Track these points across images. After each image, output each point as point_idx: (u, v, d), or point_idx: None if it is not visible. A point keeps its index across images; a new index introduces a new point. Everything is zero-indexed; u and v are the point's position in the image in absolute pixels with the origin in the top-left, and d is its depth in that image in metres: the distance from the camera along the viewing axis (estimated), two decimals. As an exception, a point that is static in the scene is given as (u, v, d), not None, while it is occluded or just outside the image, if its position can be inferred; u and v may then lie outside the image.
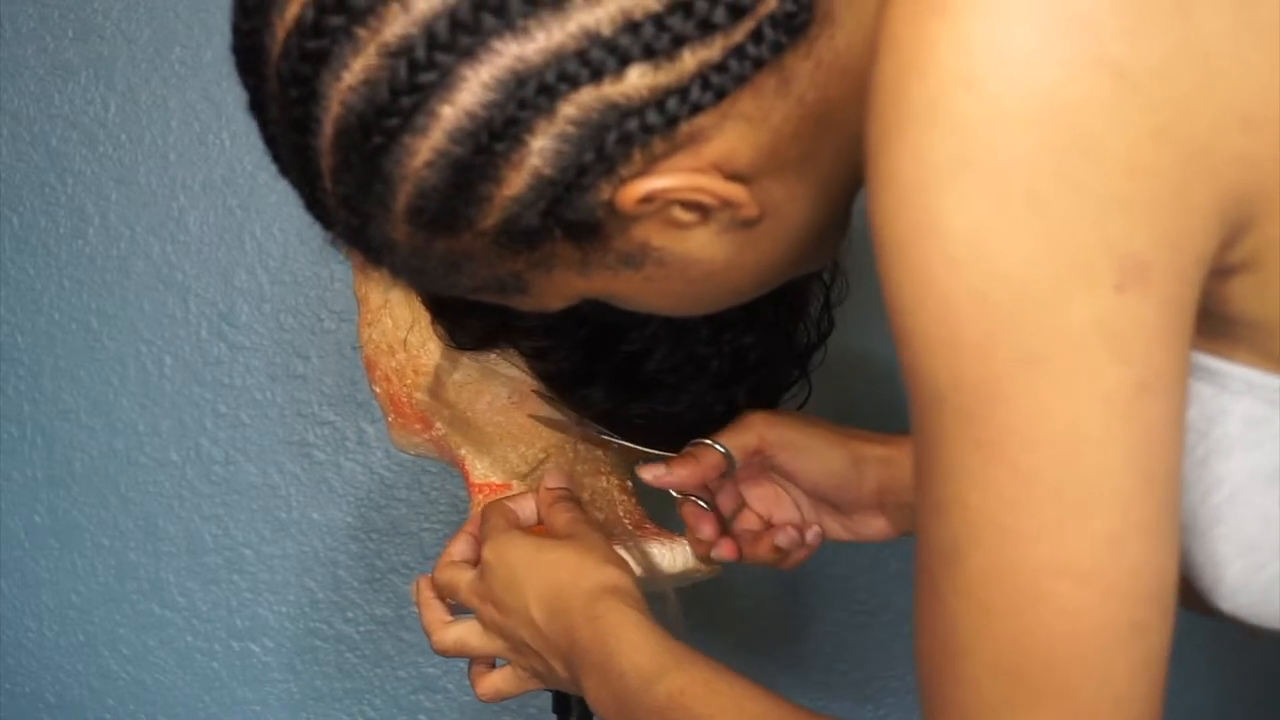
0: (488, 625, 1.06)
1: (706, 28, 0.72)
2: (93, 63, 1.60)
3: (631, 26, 0.71)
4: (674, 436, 1.10)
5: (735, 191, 0.76)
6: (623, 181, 0.75)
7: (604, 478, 1.16)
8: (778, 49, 0.73)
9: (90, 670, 1.65)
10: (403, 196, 0.75)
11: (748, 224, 0.79)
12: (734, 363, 1.10)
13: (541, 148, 0.73)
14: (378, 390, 1.16)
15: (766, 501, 1.11)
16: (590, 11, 0.71)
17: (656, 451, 1.10)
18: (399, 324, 1.14)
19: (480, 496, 1.15)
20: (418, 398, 1.15)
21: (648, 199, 0.75)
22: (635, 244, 0.79)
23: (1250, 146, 0.67)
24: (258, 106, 0.78)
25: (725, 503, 1.12)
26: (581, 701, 1.16)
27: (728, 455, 1.08)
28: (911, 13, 0.67)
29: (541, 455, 1.15)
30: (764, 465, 1.10)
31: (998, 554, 0.69)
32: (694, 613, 1.59)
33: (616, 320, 1.05)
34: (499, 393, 1.15)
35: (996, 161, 0.65)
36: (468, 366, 1.15)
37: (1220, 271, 0.70)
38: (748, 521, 1.12)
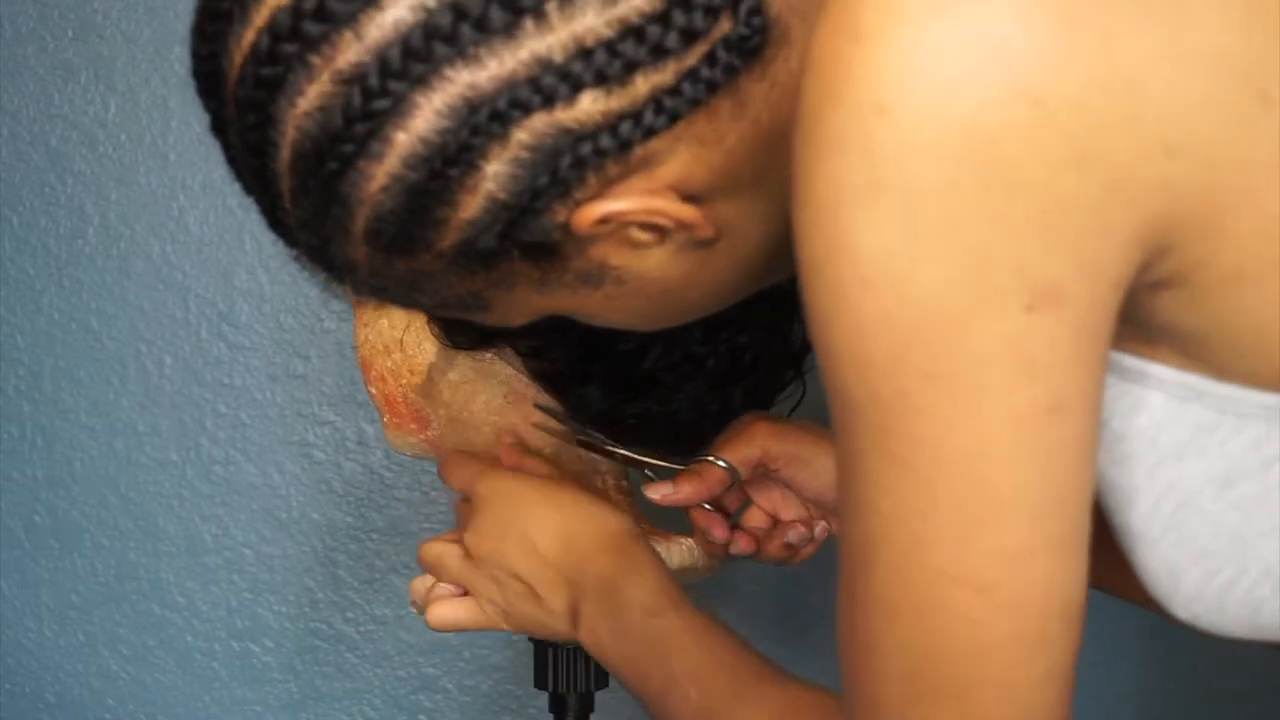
0: (471, 552, 1.06)
1: (659, 53, 0.72)
2: (93, 63, 1.60)
3: (583, 53, 0.72)
4: (669, 437, 1.10)
5: (690, 213, 0.77)
6: (578, 204, 0.76)
7: (600, 478, 1.16)
8: (731, 72, 0.74)
9: (90, 670, 1.65)
10: (360, 219, 0.76)
11: (704, 243, 0.80)
12: (730, 362, 1.11)
13: (496, 172, 0.74)
14: (373, 391, 1.16)
15: (773, 501, 1.12)
16: (542, 39, 0.72)
17: (658, 462, 1.10)
18: (395, 324, 1.14)
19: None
20: (413, 398, 1.15)
21: (603, 221, 0.76)
22: (593, 263, 0.79)
23: (1173, 173, 0.67)
24: (218, 129, 0.79)
25: (731, 501, 1.13)
26: (580, 700, 1.16)
27: (731, 470, 1.09)
28: (831, 38, 0.68)
29: (540, 457, 1.15)
30: (767, 474, 1.11)
31: (904, 558, 0.70)
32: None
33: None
34: (495, 393, 1.15)
35: (908, 187, 0.66)
36: (463, 366, 1.15)
37: (1146, 285, 0.70)
38: (755, 520, 1.13)
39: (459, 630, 1.10)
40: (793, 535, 1.11)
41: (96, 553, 1.64)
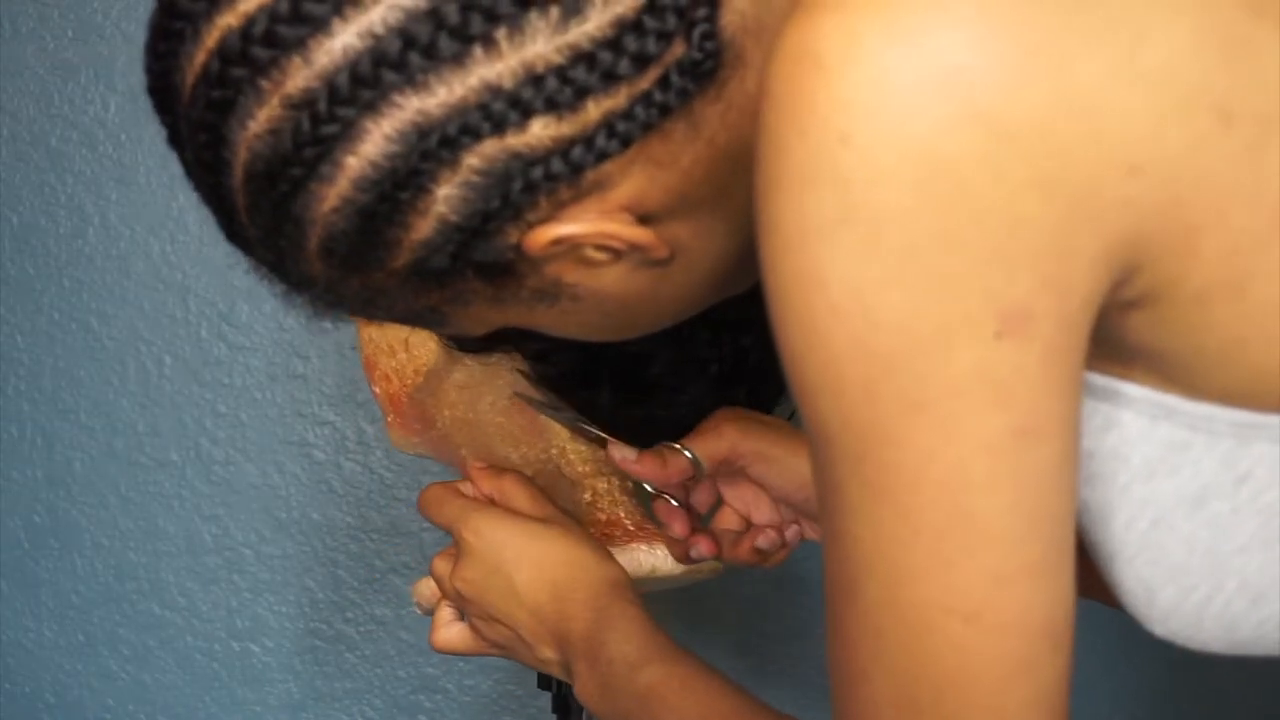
0: (460, 591, 1.07)
1: (611, 78, 0.72)
2: (93, 63, 1.60)
3: (533, 79, 0.72)
4: (672, 439, 1.10)
5: (643, 236, 0.77)
6: (530, 226, 0.76)
7: (605, 479, 1.16)
8: (685, 96, 0.74)
9: (90, 670, 1.65)
10: (313, 238, 0.76)
11: (660, 262, 0.80)
12: (734, 365, 1.11)
13: (447, 195, 0.74)
14: (377, 390, 1.16)
15: (745, 501, 1.12)
16: (491, 65, 0.72)
17: (626, 445, 1.11)
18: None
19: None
20: (418, 398, 1.15)
21: (556, 242, 0.76)
22: (548, 281, 0.79)
23: (1137, 192, 0.67)
24: (175, 142, 0.79)
25: (701, 498, 1.13)
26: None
27: (695, 462, 1.09)
28: (791, 67, 0.68)
29: (544, 456, 1.15)
30: (737, 471, 1.11)
31: (889, 590, 0.71)
32: (694, 613, 1.59)
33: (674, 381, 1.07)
34: (500, 393, 1.15)
35: (875, 215, 0.66)
36: (469, 366, 1.14)
37: (1118, 306, 0.71)
38: (728, 521, 1.13)
39: (463, 655, 1.11)
40: (762, 541, 1.11)
41: (96, 553, 1.64)
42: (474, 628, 1.09)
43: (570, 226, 0.76)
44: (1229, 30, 0.68)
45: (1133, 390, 0.74)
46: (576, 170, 0.74)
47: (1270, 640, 0.78)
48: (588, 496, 1.14)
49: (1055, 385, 0.69)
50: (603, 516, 1.14)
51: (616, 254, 0.78)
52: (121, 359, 1.62)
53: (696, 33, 0.73)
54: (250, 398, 1.61)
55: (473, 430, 1.15)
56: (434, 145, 0.72)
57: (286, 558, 1.63)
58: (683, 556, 1.12)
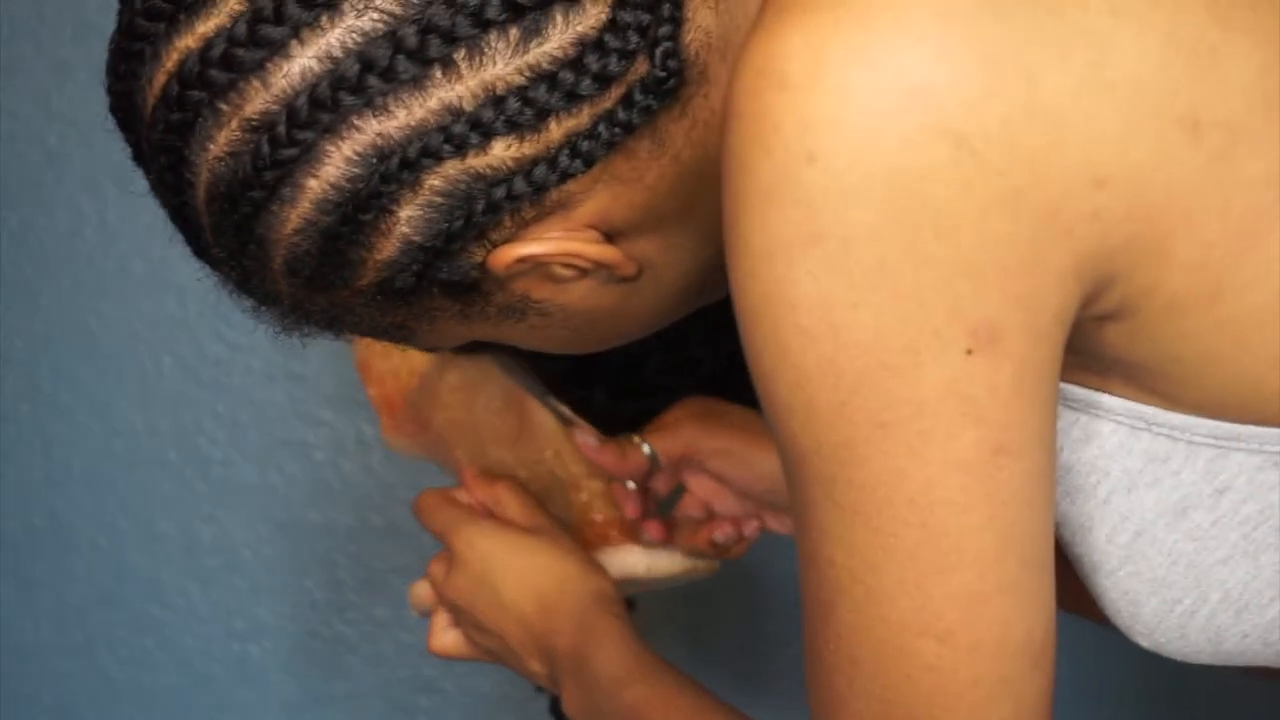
0: (452, 600, 1.07)
1: (573, 98, 0.72)
2: (93, 62, 1.59)
3: (494, 101, 0.72)
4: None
5: (608, 254, 0.77)
6: (494, 245, 0.76)
7: (601, 479, 1.16)
8: (649, 113, 0.74)
9: (88, 672, 1.65)
10: (277, 258, 0.76)
11: (628, 279, 0.80)
12: (726, 364, 1.11)
13: (410, 216, 0.74)
14: (372, 392, 1.16)
15: (707, 490, 1.13)
16: (450, 87, 0.72)
17: (591, 428, 1.12)
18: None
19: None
20: (413, 400, 1.15)
21: (521, 261, 0.76)
22: (515, 297, 0.80)
23: (1104, 204, 0.67)
24: (139, 161, 0.80)
25: (661, 484, 1.13)
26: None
27: (653, 457, 1.10)
28: (755, 87, 0.67)
29: (539, 457, 1.15)
30: (698, 465, 1.11)
31: (863, 612, 0.70)
32: (694, 614, 1.59)
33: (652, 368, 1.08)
34: (495, 393, 1.15)
35: (843, 234, 0.66)
36: (463, 367, 1.14)
37: (1093, 318, 0.70)
38: (690, 508, 1.13)
39: (459, 659, 1.12)
40: (719, 535, 1.12)
41: (94, 554, 1.64)
42: (466, 635, 1.09)
43: (534, 246, 0.76)
44: (1196, 41, 0.68)
45: (1111, 401, 0.74)
46: (540, 190, 0.74)
47: (1256, 651, 0.77)
48: (584, 496, 1.14)
49: (1029, 401, 0.68)
50: (599, 517, 1.14)
51: (583, 271, 0.78)
52: (120, 359, 1.61)
53: (659, 51, 0.73)
54: (249, 398, 1.61)
55: (467, 431, 1.15)
56: (394, 167, 0.72)
57: (285, 558, 1.63)
58: (635, 538, 1.12)
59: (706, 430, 1.09)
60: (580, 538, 1.12)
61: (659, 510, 1.14)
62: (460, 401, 1.15)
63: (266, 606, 1.63)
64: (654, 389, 1.11)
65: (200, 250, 0.80)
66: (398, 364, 1.15)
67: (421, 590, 1.13)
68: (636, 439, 1.10)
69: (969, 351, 0.67)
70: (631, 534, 1.14)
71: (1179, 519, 0.75)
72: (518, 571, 1.05)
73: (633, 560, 1.11)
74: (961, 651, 0.70)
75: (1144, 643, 0.78)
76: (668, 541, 1.12)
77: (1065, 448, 0.75)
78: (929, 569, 0.69)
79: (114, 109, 0.79)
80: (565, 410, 1.12)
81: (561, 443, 1.15)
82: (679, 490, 1.14)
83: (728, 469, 1.10)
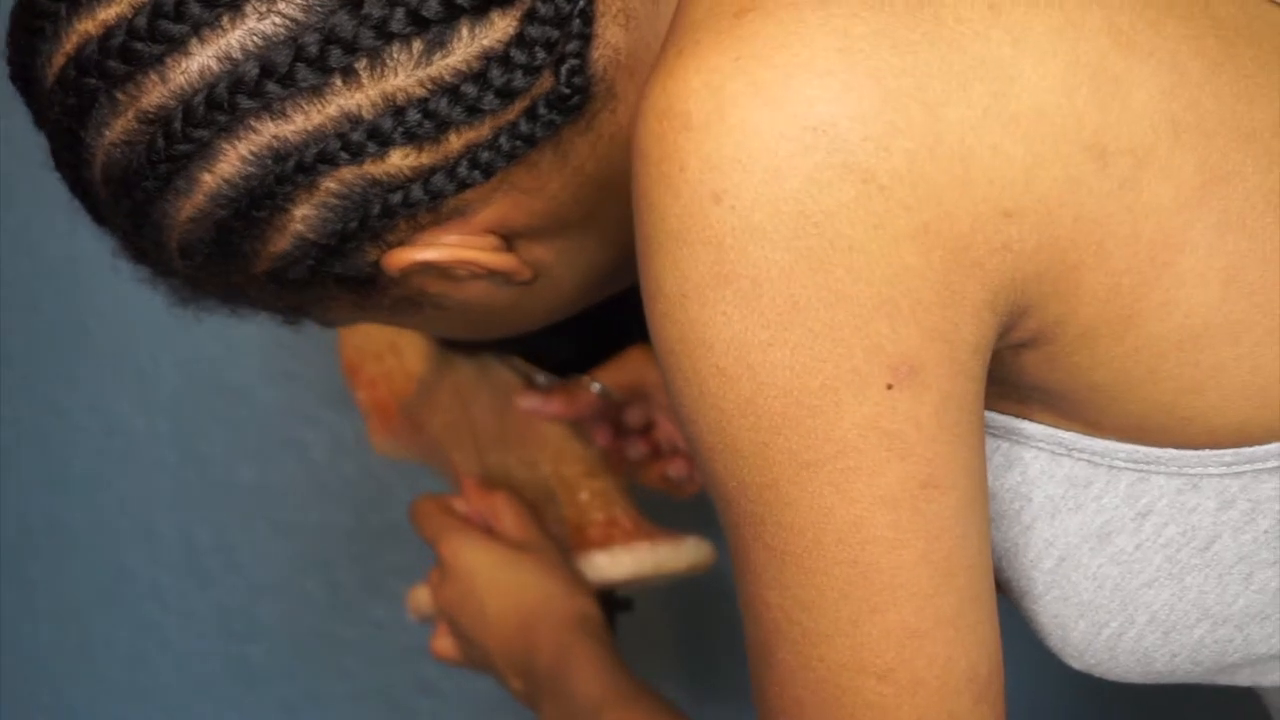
0: (442, 607, 1.09)
1: (474, 112, 0.72)
2: (91, 62, 1.60)
3: (393, 111, 0.72)
4: None
5: (504, 262, 0.77)
6: (390, 246, 0.76)
7: (601, 479, 1.16)
8: (552, 127, 0.74)
9: (86, 672, 1.65)
10: (172, 240, 0.76)
11: (524, 282, 0.80)
12: None
13: (304, 215, 0.74)
14: (361, 395, 1.16)
15: (669, 427, 1.14)
16: (350, 96, 0.71)
17: (546, 375, 1.14)
18: (386, 328, 1.14)
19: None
20: (408, 403, 1.15)
21: (414, 264, 0.76)
22: (412, 290, 0.79)
23: (1013, 235, 0.67)
24: (40, 128, 0.79)
25: (634, 416, 1.15)
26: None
27: (605, 392, 1.10)
28: (658, 129, 0.67)
29: (538, 457, 1.15)
30: (649, 397, 1.14)
31: (801, 652, 0.70)
32: (694, 615, 1.59)
33: (619, 312, 1.07)
34: (493, 396, 1.15)
35: (753, 274, 0.66)
36: (462, 368, 1.14)
37: (1010, 347, 0.70)
38: (649, 443, 1.15)
39: (455, 665, 1.13)
40: (671, 470, 1.13)
41: (93, 554, 1.64)
42: (457, 644, 1.10)
43: (430, 252, 0.76)
44: (1099, 67, 0.68)
45: (1032, 428, 0.74)
46: (437, 197, 0.74)
47: (1186, 670, 0.77)
48: (584, 496, 1.14)
49: (953, 433, 0.68)
50: (600, 516, 1.14)
51: (479, 274, 0.78)
52: (118, 359, 1.61)
53: (565, 68, 0.73)
54: (248, 398, 1.61)
55: (465, 434, 1.15)
56: (290, 170, 0.72)
57: (284, 559, 1.62)
58: (620, 467, 1.14)
59: (653, 361, 1.09)
60: (581, 538, 1.12)
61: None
62: (458, 404, 1.15)
63: (266, 607, 1.63)
64: (614, 332, 1.13)
65: (97, 219, 0.80)
66: (392, 368, 1.15)
67: (422, 595, 1.13)
68: (586, 379, 1.11)
69: (889, 386, 0.66)
70: (632, 534, 1.14)
71: (1103, 543, 0.74)
72: (501, 587, 1.05)
73: (633, 559, 1.11)
74: (903, 689, 0.69)
75: (1075, 664, 0.78)
76: (672, 537, 1.12)
77: (989, 474, 0.74)
78: (864, 607, 0.69)
79: (13, 77, 0.78)
80: (519, 362, 1.12)
81: (561, 444, 1.15)
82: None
83: None
